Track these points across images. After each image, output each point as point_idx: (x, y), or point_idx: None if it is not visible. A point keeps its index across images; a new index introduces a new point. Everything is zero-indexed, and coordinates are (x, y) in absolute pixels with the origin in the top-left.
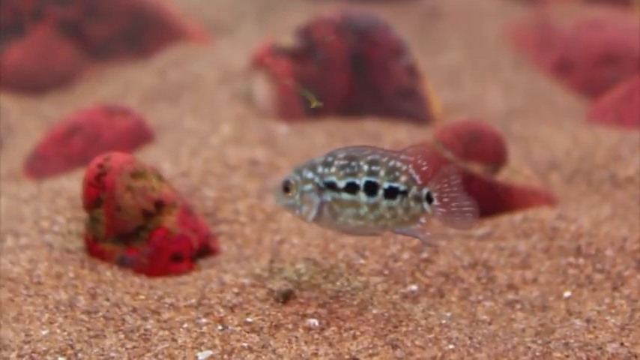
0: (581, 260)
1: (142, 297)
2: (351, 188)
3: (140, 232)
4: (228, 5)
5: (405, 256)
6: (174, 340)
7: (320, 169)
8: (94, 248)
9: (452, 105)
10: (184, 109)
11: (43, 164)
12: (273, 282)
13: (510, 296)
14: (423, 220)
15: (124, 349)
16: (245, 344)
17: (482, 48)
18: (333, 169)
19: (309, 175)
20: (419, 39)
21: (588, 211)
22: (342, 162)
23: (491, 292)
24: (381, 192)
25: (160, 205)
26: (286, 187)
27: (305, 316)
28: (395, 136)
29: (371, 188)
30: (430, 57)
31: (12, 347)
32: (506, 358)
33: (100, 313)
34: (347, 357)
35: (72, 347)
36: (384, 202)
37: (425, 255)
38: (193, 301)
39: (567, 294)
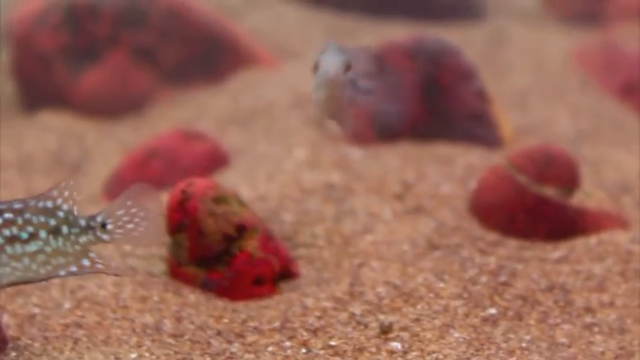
0: None
1: (225, 320)
2: None
3: (222, 256)
4: (296, 29)
5: (483, 279)
6: None
7: None
8: (177, 272)
9: (521, 128)
10: (258, 133)
11: (122, 187)
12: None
13: (588, 319)
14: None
15: None
16: None
17: (548, 71)
18: None
19: None
20: (484, 62)
21: None
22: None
23: (569, 315)
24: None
25: (241, 230)
26: None
27: (388, 339)
28: (467, 160)
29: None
30: (496, 80)
31: None
32: None
33: (186, 337)
34: None
35: None
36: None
37: (503, 278)
38: (277, 324)
39: None
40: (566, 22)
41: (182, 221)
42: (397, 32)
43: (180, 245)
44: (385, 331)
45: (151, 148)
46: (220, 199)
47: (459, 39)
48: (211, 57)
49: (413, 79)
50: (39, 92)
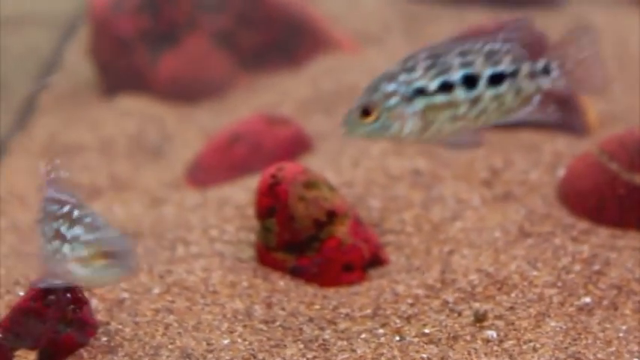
0: None
1: (317, 307)
2: (446, 88)
3: (312, 241)
4: (373, 15)
5: (577, 268)
6: (353, 350)
7: (403, 77)
8: (265, 257)
9: (605, 116)
10: (340, 118)
11: (205, 173)
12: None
13: None
14: (537, 98)
15: (304, 358)
16: (424, 355)
17: (631, 58)
18: (418, 73)
19: (391, 87)
20: None
21: None
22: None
23: None
24: (483, 82)
25: (331, 215)
26: (366, 110)
27: (482, 327)
28: (554, 147)
29: (470, 81)
30: None
31: (195, 356)
32: None
33: (278, 323)
34: None
35: (254, 357)
36: (488, 93)
37: (596, 267)
38: (369, 311)
39: None
40: None
41: (272, 206)
42: (478, 19)
43: (269, 230)
44: (480, 319)
45: (234, 132)
46: (311, 184)
47: (544, 24)
48: (290, 42)
49: None
50: (118, 76)
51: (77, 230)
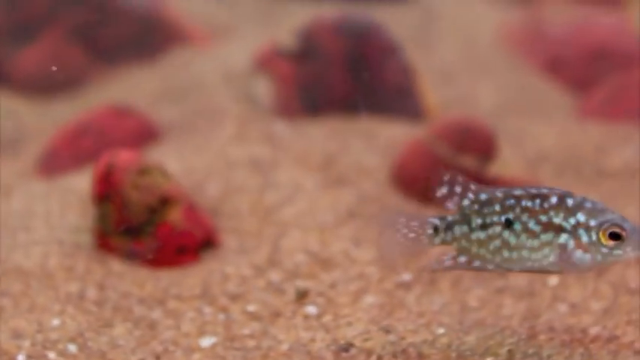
0: None
1: (148, 288)
2: None
3: (146, 226)
4: (227, 7)
5: None
6: (178, 328)
7: None
8: (103, 242)
9: (446, 102)
10: (188, 109)
11: (54, 162)
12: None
13: (500, 284)
14: None
15: (131, 336)
16: (246, 331)
17: (476, 48)
18: None
19: None
20: (415, 39)
21: None
22: None
23: (482, 280)
24: None
25: (164, 201)
26: None
27: (304, 304)
28: (391, 133)
29: None
30: (425, 56)
31: (25, 336)
32: (494, 341)
33: (109, 304)
34: (342, 342)
35: (82, 336)
36: None
37: None
38: (197, 291)
39: (554, 281)
40: None
41: (107, 193)
42: (329, 10)
43: (106, 216)
44: (301, 296)
45: (82, 123)
46: (144, 171)
47: (389, 17)
48: (145, 37)
49: (339, 55)
50: None
51: (580, 217)
